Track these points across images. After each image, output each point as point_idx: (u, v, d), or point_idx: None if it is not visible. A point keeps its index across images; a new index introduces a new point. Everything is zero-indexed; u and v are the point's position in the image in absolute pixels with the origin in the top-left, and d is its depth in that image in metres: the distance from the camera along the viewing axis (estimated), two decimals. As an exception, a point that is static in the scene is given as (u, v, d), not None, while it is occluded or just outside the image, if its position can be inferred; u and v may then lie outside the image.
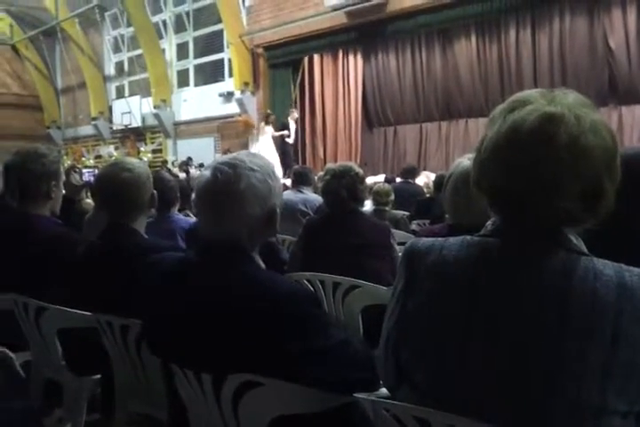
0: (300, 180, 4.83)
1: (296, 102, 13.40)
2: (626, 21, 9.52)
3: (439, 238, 1.10)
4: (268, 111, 12.40)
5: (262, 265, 1.39)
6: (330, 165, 3.04)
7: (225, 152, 13.28)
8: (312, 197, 4.69)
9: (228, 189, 1.31)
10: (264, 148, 11.74)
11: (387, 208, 4.89)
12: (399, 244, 3.70)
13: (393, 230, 4.38)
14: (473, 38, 11.25)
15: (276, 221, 1.37)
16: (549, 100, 0.97)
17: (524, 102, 0.99)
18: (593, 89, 10.11)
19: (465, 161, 2.17)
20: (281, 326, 1.22)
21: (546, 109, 0.95)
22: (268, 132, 11.96)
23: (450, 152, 12.14)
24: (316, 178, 5.18)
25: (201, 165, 14.01)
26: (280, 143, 12.05)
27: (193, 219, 3.56)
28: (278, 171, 11.47)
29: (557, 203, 0.95)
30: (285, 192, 4.83)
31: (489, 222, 1.09)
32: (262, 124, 12.14)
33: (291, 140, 12.30)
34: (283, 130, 12.10)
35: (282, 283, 1.30)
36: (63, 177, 2.39)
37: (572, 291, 0.92)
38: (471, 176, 1.06)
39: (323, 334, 1.27)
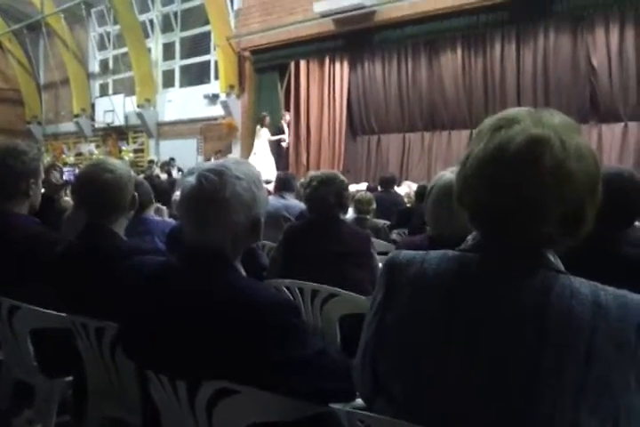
0: (283, 186, 4.83)
1: (281, 108, 13.40)
2: (608, 41, 9.68)
3: (420, 251, 1.11)
4: (264, 113, 12.37)
5: (243, 272, 1.38)
6: (313, 172, 3.05)
7: (217, 153, 13.25)
8: (294, 203, 4.69)
9: (213, 196, 1.31)
10: (260, 151, 11.76)
11: (368, 217, 4.92)
12: (379, 253, 3.73)
13: (373, 239, 4.44)
14: (459, 51, 11.35)
15: (259, 229, 1.37)
16: (536, 120, 0.99)
17: (511, 121, 1.00)
18: (574, 106, 10.26)
19: (447, 174, 2.19)
20: (260, 334, 1.22)
21: (532, 131, 0.96)
22: (264, 135, 11.97)
23: (432, 163, 12.22)
24: (298, 184, 5.19)
25: (180, 170, 13.95)
26: (275, 147, 12.07)
27: (169, 220, 3.53)
28: (273, 174, 11.52)
29: (538, 224, 0.96)
30: (269, 197, 4.83)
31: (469, 237, 1.10)
32: (257, 126, 12.13)
33: (285, 144, 12.33)
34: (278, 134, 12.12)
35: (263, 291, 1.30)
36: (43, 175, 2.36)
37: (549, 307, 0.94)
38: (454, 190, 1.07)
39: (301, 343, 1.27)
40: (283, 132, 12.26)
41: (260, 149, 11.81)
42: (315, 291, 2.49)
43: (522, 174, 0.95)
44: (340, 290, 2.44)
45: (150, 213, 3.49)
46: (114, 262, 1.77)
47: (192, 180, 1.33)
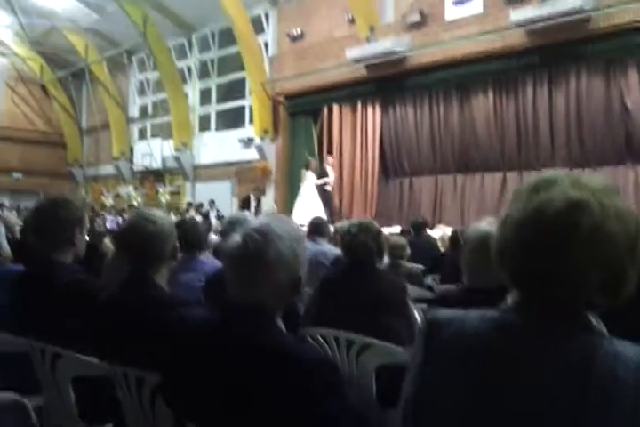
0: (316, 231, 4.87)
1: (314, 151, 13.61)
2: (642, 81, 9.66)
3: (459, 311, 1.12)
4: (309, 158, 12.59)
5: (283, 327, 1.41)
6: (349, 221, 3.09)
7: (255, 190, 13.46)
8: (328, 248, 4.71)
9: (257, 257, 1.36)
10: (307, 195, 11.88)
11: (402, 262, 4.90)
12: (414, 299, 3.71)
13: (408, 285, 4.42)
14: (490, 94, 11.42)
15: (300, 286, 1.42)
16: (575, 183, 1.00)
17: (549, 183, 1.01)
18: (609, 148, 10.18)
19: (483, 225, 2.20)
20: (303, 391, 1.25)
21: (571, 194, 0.97)
22: (310, 178, 12.09)
23: (465, 205, 12.16)
24: (332, 229, 5.22)
25: (219, 212, 14.21)
26: (321, 191, 12.17)
27: (217, 263, 3.60)
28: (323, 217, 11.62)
29: (579, 287, 0.97)
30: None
31: (509, 297, 1.11)
32: (303, 170, 12.27)
33: (329, 188, 12.43)
34: (322, 177, 12.25)
35: (306, 350, 1.34)
36: (87, 224, 2.45)
37: (591, 371, 0.93)
38: (492, 251, 1.08)
39: (338, 399, 1.29)
40: (327, 176, 12.34)
41: (306, 192, 11.92)
42: (350, 341, 2.48)
43: (561, 238, 0.96)
44: (375, 341, 2.43)
45: (203, 255, 3.62)
46: (156, 313, 1.81)
47: (238, 239, 1.39)
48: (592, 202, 0.96)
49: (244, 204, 13.57)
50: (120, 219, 3.70)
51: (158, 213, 2.07)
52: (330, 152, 13.59)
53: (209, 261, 3.57)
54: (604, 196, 0.98)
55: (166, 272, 2.09)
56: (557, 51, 9.59)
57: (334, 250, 4.57)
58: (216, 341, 1.36)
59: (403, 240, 4.94)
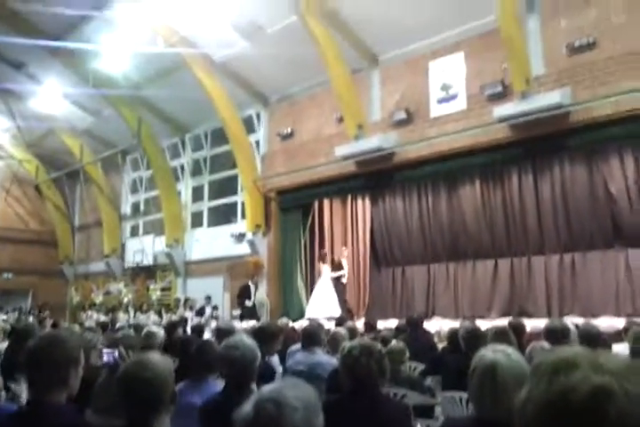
0: (312, 340, 4.73)
1: (306, 244, 13.68)
2: (624, 169, 9.93)
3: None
4: (324, 251, 12.65)
5: None
6: (349, 342, 3.03)
7: (252, 278, 13.35)
8: (325, 359, 4.58)
9: None
10: (323, 289, 11.82)
11: (402, 368, 4.78)
12: (414, 407, 3.58)
13: (408, 393, 4.28)
14: (477, 185, 11.70)
15: None
16: (595, 366, 0.97)
17: (568, 364, 0.98)
18: (597, 232, 10.31)
19: (489, 353, 2.17)
20: None
21: (594, 381, 0.94)
22: (325, 271, 12.08)
23: (458, 292, 12.13)
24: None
25: (215, 307, 14.04)
26: (335, 283, 12.14)
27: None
28: (337, 311, 11.39)
29: None
30: (298, 354, 4.75)
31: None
32: (320, 263, 12.27)
33: (344, 280, 12.37)
34: (339, 270, 12.18)
35: None
36: (83, 362, 2.37)
37: None
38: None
39: None
40: (342, 268, 12.32)
41: (322, 286, 11.89)
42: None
43: None
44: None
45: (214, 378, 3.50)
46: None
47: (249, 408, 1.31)
48: (616, 389, 0.93)
49: (243, 292, 13.43)
50: (117, 353, 3.56)
51: (155, 358, 2.02)
52: (321, 244, 13.66)
53: (215, 384, 3.42)
54: (627, 380, 0.96)
55: (167, 419, 2.00)
56: (540, 143, 9.94)
57: (331, 360, 4.45)
58: None
59: (401, 345, 4.84)
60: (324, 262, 12.12)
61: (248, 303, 13.22)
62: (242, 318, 12.92)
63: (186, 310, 14.29)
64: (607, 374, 0.95)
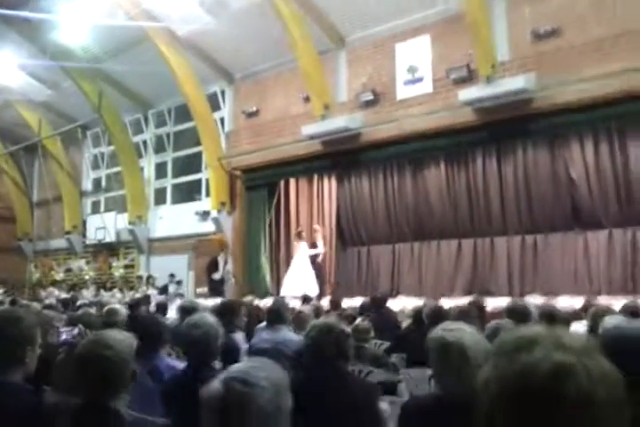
0: (276, 317, 4.73)
1: (271, 223, 13.63)
2: (584, 155, 10.14)
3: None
4: (299, 229, 12.47)
5: None
6: (314, 321, 3.03)
7: (222, 250, 13.15)
8: (289, 336, 4.59)
9: (238, 409, 1.29)
10: (299, 267, 11.60)
11: (367, 345, 4.84)
12: (379, 383, 3.62)
13: (374, 370, 4.33)
14: (442, 166, 11.79)
15: None
16: (557, 344, 0.97)
17: (529, 342, 0.98)
18: (557, 216, 10.55)
19: (439, 332, 2.22)
20: None
21: (555, 359, 0.94)
22: (303, 248, 11.88)
23: (422, 272, 12.29)
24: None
25: (178, 282, 13.93)
26: (312, 261, 11.99)
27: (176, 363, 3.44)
28: (315, 290, 11.24)
29: None
30: (263, 332, 4.75)
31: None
32: (295, 241, 12.05)
33: (319, 259, 12.26)
34: (313, 248, 12.09)
35: None
36: (39, 340, 2.32)
37: None
38: (478, 414, 1.03)
39: None
40: (316, 247, 12.08)
41: (298, 263, 11.62)
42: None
43: (548, 409, 0.92)
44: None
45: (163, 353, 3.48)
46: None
47: (217, 386, 1.31)
48: (578, 366, 0.93)
49: (211, 266, 13.35)
50: (76, 330, 3.47)
51: (115, 336, 1.98)
52: (287, 223, 13.63)
53: (167, 361, 3.41)
54: (588, 357, 0.96)
55: (126, 397, 1.97)
56: (504, 127, 10.05)
57: (296, 338, 4.47)
58: None
59: (366, 325, 4.89)
60: (300, 240, 11.88)
61: (216, 276, 13.15)
62: (210, 291, 12.90)
63: (148, 288, 14.16)
64: (568, 352, 0.95)
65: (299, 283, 11.21)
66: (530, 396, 0.94)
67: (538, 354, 0.96)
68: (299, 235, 11.96)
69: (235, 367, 1.36)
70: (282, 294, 11.30)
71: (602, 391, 0.92)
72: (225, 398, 1.29)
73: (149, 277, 14.54)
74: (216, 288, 12.88)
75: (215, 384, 1.32)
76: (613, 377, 0.96)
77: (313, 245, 12.07)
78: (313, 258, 11.95)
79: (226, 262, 13.46)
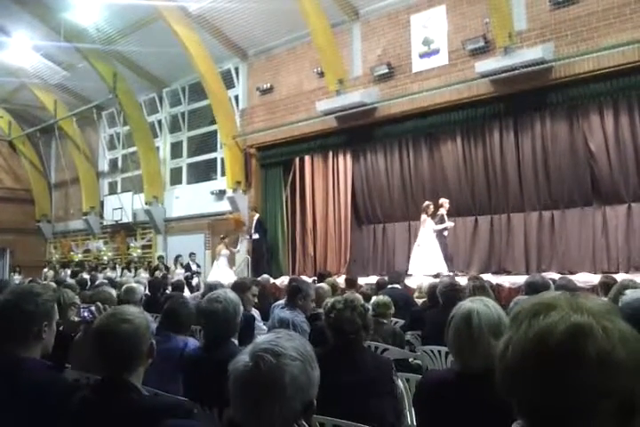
0: (295, 296, 4.73)
1: (287, 201, 13.61)
2: (604, 126, 9.96)
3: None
4: (427, 202, 11.05)
5: None
6: (332, 298, 3.01)
7: (222, 238, 13.27)
8: (300, 318, 4.60)
9: (271, 381, 1.27)
10: (426, 242, 10.78)
11: (385, 321, 4.83)
12: (395, 360, 3.62)
13: (390, 347, 4.32)
14: (459, 141, 11.66)
15: (312, 411, 1.34)
16: (574, 306, 0.96)
17: (547, 307, 0.98)
18: (576, 190, 10.40)
19: (467, 303, 2.17)
20: None
21: (573, 320, 0.93)
22: (429, 224, 10.97)
23: (439, 249, 12.22)
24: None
25: (198, 266, 14.05)
26: (438, 237, 11.01)
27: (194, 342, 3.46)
28: (443, 267, 10.48)
29: (589, 419, 0.91)
30: (281, 310, 4.77)
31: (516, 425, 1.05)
32: (423, 215, 10.93)
33: (446, 233, 11.23)
34: (440, 222, 11.07)
35: None
36: (57, 316, 2.32)
37: None
38: (498, 380, 1.02)
39: None
40: (444, 221, 11.02)
41: (424, 239, 10.82)
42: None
43: (566, 369, 0.91)
44: (361, 426, 2.33)
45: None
46: (134, 421, 1.69)
47: (246, 359, 1.28)
48: (595, 327, 0.92)
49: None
50: (93, 308, 3.49)
51: (133, 311, 1.97)
52: (302, 201, 13.60)
53: (189, 340, 3.42)
54: (605, 318, 0.94)
55: (142, 373, 1.97)
56: (522, 99, 9.85)
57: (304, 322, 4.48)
58: None
59: (387, 299, 4.87)
60: (427, 215, 10.85)
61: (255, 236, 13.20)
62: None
63: (177, 267, 14.24)
64: (586, 314, 0.94)
65: (428, 261, 10.51)
66: (549, 357, 0.93)
67: (555, 317, 0.95)
68: (425, 209, 10.89)
69: (261, 339, 1.34)
70: (410, 272, 10.53)
71: (621, 352, 0.91)
72: (256, 371, 1.27)
73: (178, 256, 14.53)
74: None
75: (243, 357, 1.30)
76: (633, 339, 0.94)
77: (441, 220, 11.04)
78: (440, 233, 11.02)
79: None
